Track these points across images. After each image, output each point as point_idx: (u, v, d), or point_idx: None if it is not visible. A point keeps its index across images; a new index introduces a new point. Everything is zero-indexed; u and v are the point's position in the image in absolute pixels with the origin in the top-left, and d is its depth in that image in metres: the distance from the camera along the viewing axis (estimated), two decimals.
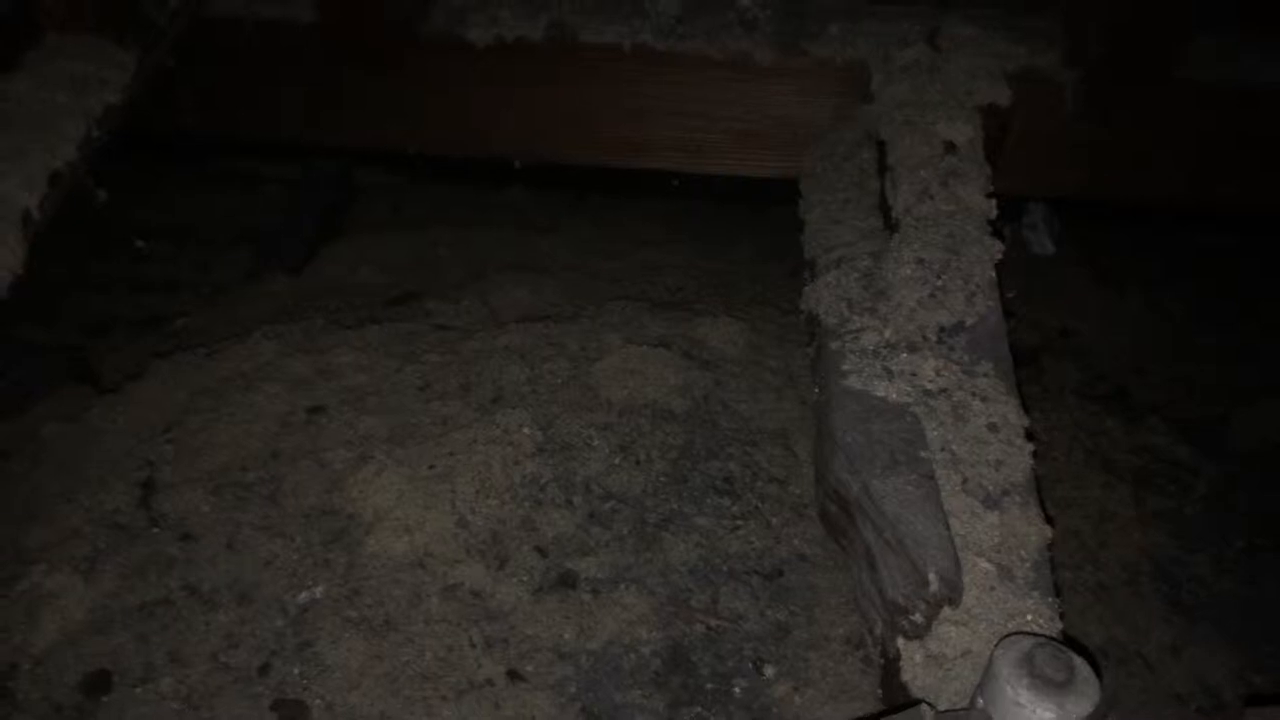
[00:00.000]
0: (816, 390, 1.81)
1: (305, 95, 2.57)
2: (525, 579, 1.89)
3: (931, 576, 1.34)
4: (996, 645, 1.19)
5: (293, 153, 3.27)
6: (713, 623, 1.85)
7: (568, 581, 1.90)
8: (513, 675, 1.75)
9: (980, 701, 1.19)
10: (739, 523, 2.02)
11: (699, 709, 1.73)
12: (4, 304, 1.89)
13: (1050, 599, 1.39)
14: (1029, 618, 1.36)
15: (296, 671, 1.73)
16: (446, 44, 2.38)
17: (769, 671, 1.78)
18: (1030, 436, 1.58)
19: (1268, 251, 2.99)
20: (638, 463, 2.09)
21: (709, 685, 1.76)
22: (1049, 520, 1.49)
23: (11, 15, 2.07)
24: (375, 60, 2.42)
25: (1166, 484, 2.42)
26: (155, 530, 1.96)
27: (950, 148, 1.95)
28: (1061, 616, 1.38)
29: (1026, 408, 1.68)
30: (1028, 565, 1.43)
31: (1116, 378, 2.76)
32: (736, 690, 1.76)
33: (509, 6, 2.37)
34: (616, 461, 2.09)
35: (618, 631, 1.83)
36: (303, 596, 1.84)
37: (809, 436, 2.17)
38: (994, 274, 1.79)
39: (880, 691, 1.61)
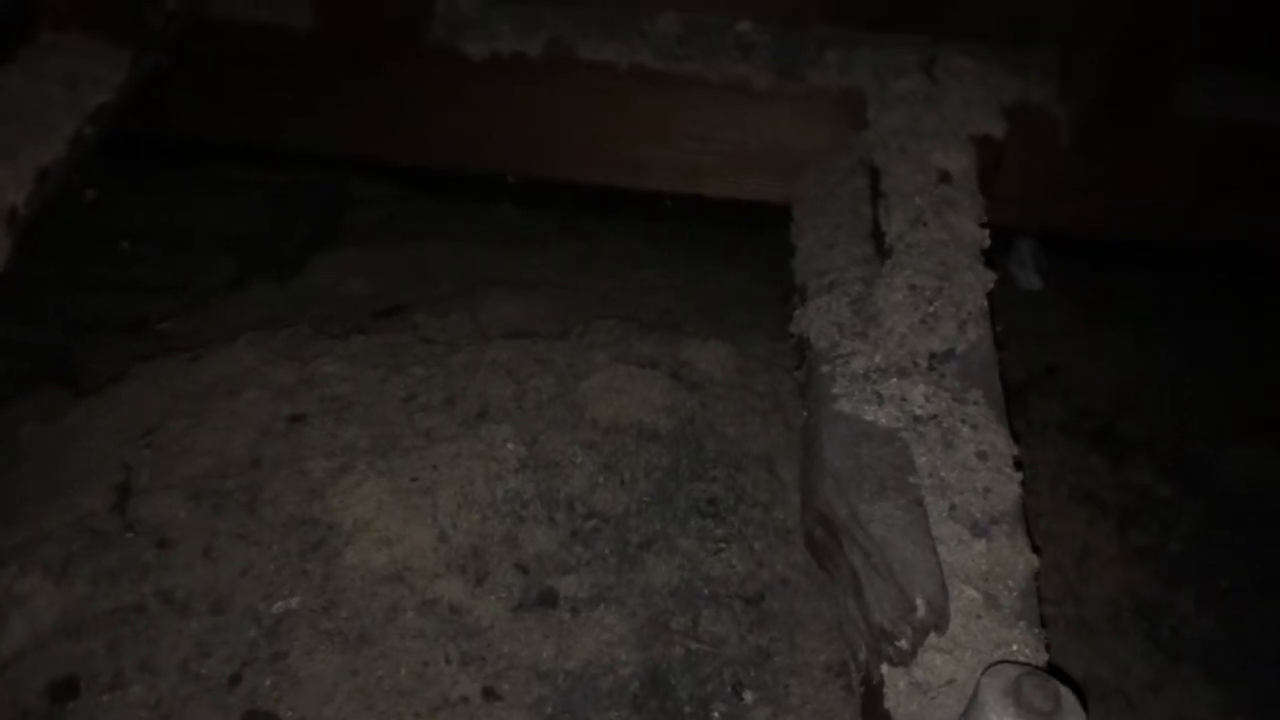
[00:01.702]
0: (805, 413, 1.80)
1: (299, 102, 2.56)
2: (505, 596, 1.87)
3: (919, 602, 1.33)
4: (982, 673, 1.18)
5: (285, 162, 3.25)
6: (693, 646, 1.83)
7: (548, 600, 1.88)
8: (489, 693, 1.72)
9: None
10: (722, 546, 2.00)
11: None
12: None
13: (1036, 629, 1.38)
14: (1015, 647, 1.35)
15: (268, 683, 1.70)
16: (444, 56, 2.38)
17: (748, 697, 1.76)
18: (1019, 465, 1.57)
19: (1258, 290, 3.00)
20: (622, 482, 2.08)
21: (687, 709, 1.74)
22: (1036, 550, 1.48)
23: (7, 12, 2.06)
24: (372, 69, 2.41)
25: (1150, 521, 2.42)
26: (130, 535, 1.93)
27: (945, 177, 1.96)
28: (1048, 647, 1.37)
29: None
30: (1014, 594, 1.42)
31: (1102, 415, 2.76)
32: (715, 715, 1.74)
33: (507, 22, 2.37)
34: (600, 480, 2.07)
35: (596, 652, 1.80)
36: (278, 607, 1.81)
37: (794, 462, 2.16)
38: (986, 303, 1.79)
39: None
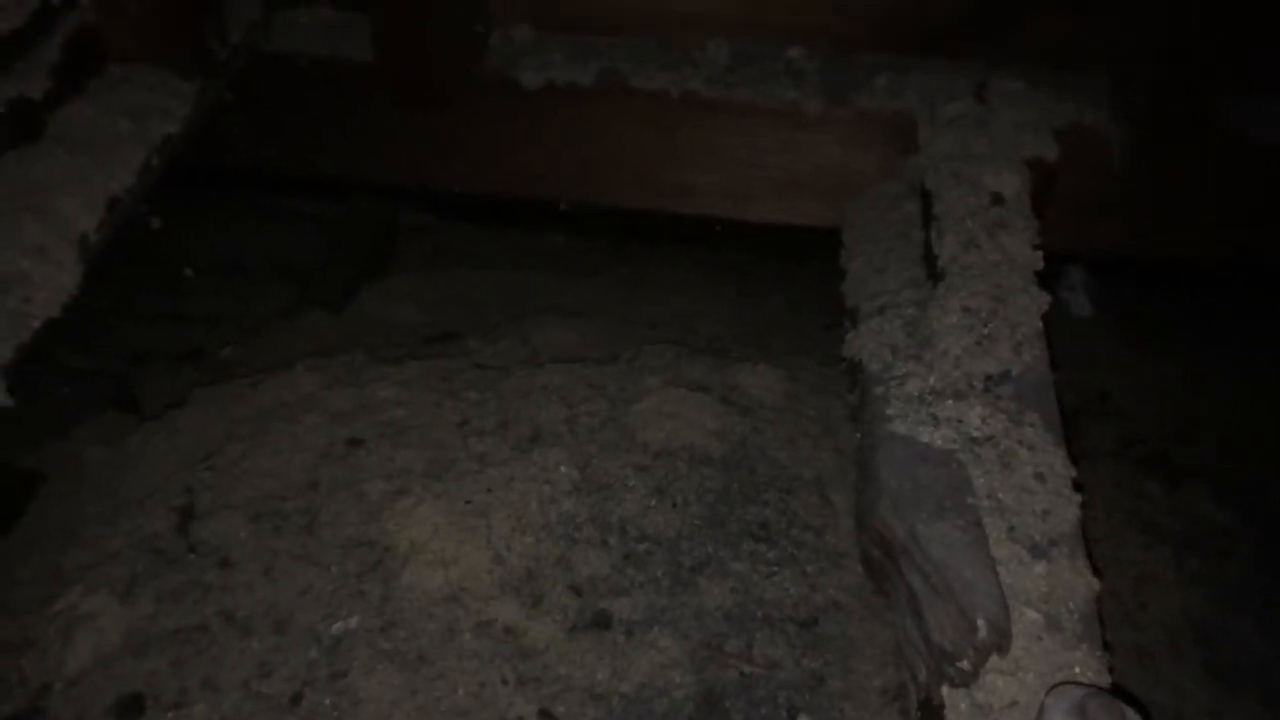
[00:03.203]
0: (859, 435, 1.81)
1: (356, 133, 2.62)
2: (559, 618, 1.88)
3: (980, 623, 1.32)
4: (1047, 694, 1.17)
5: (337, 192, 3.32)
6: (747, 669, 1.82)
7: (602, 622, 1.89)
8: (544, 715, 1.73)
9: None
10: (775, 569, 2.00)
11: None
12: (53, 324, 1.92)
13: (1099, 651, 1.37)
14: (1077, 669, 1.34)
15: (328, 702, 1.72)
16: (499, 86, 2.43)
17: None
18: (1078, 487, 1.57)
19: None
20: (674, 505, 2.08)
21: None
22: (1096, 572, 1.48)
23: (77, 46, 2.12)
24: (428, 101, 2.47)
25: (1207, 547, 2.38)
26: (193, 556, 1.97)
27: (997, 199, 1.96)
28: (1110, 670, 1.36)
29: None
30: (1075, 617, 1.41)
31: (1156, 441, 2.73)
32: None
33: (561, 52, 2.41)
34: (653, 503, 2.08)
35: (651, 674, 1.81)
36: (337, 627, 1.83)
37: (845, 486, 2.16)
38: (1041, 325, 1.78)
39: None
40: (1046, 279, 1.94)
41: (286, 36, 2.48)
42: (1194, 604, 2.26)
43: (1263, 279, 2.90)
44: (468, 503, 2.02)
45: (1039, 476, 1.57)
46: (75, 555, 2.01)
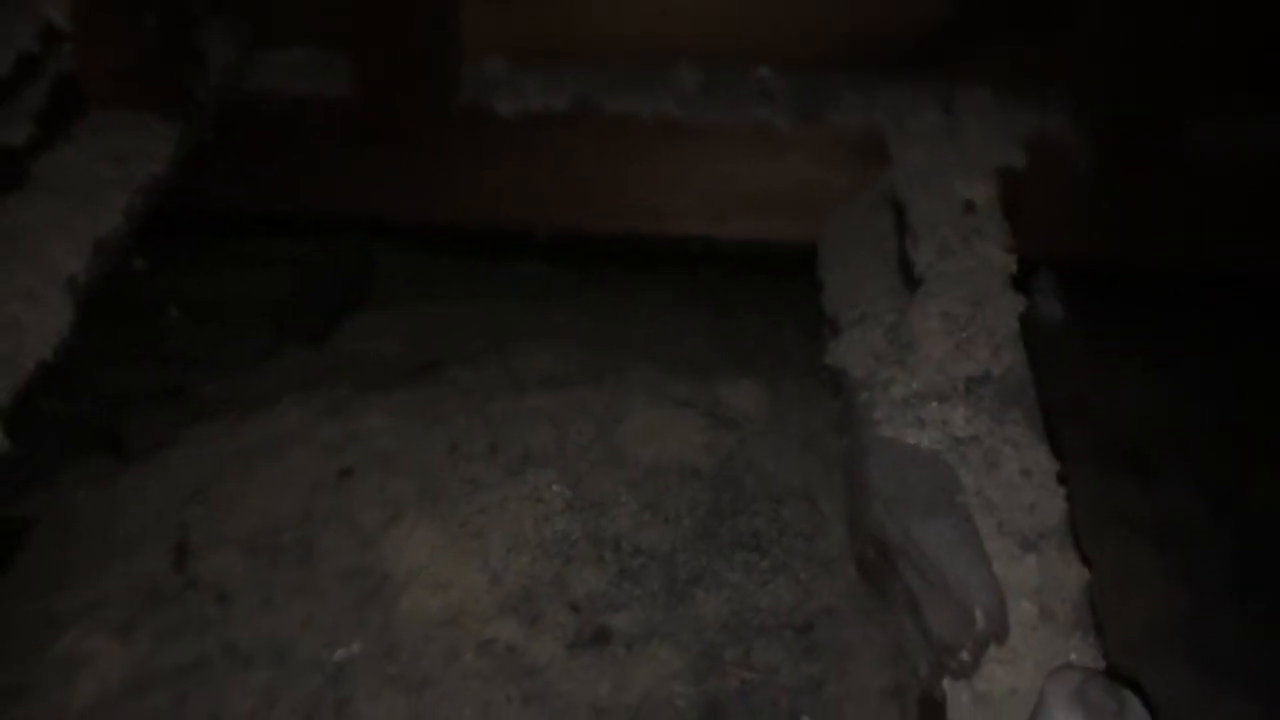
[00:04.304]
0: (846, 441, 1.84)
1: (333, 170, 2.65)
2: (559, 635, 1.90)
3: (978, 614, 1.36)
4: (1046, 679, 1.21)
5: (313, 230, 3.33)
6: (747, 676, 1.85)
7: (601, 637, 1.91)
8: None
9: None
10: (768, 578, 2.03)
11: None
12: (46, 368, 1.92)
13: (1093, 637, 1.41)
14: (1073, 656, 1.38)
15: None
16: (474, 117, 2.47)
17: None
18: (1063, 481, 1.61)
19: (1278, 320, 3.03)
20: (666, 520, 2.11)
21: None
22: (1086, 562, 1.52)
23: (58, 92, 2.14)
24: (405, 134, 2.50)
25: (1187, 542, 2.43)
26: (190, 592, 1.97)
27: (969, 207, 2.02)
28: (1105, 655, 1.40)
29: None
30: (1068, 606, 1.45)
31: (1131, 442, 2.78)
32: None
33: (534, 81, 2.46)
34: (645, 518, 2.11)
35: (653, 686, 1.83)
36: (340, 654, 1.84)
37: (833, 493, 2.20)
38: (1018, 326, 1.84)
39: None
40: (1017, 286, 1.99)
41: (262, 77, 2.51)
42: (1177, 599, 2.30)
43: (1228, 284, 2.97)
44: (462, 526, 2.04)
45: (1025, 472, 1.61)
46: (70, 598, 2.01)
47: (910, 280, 2.03)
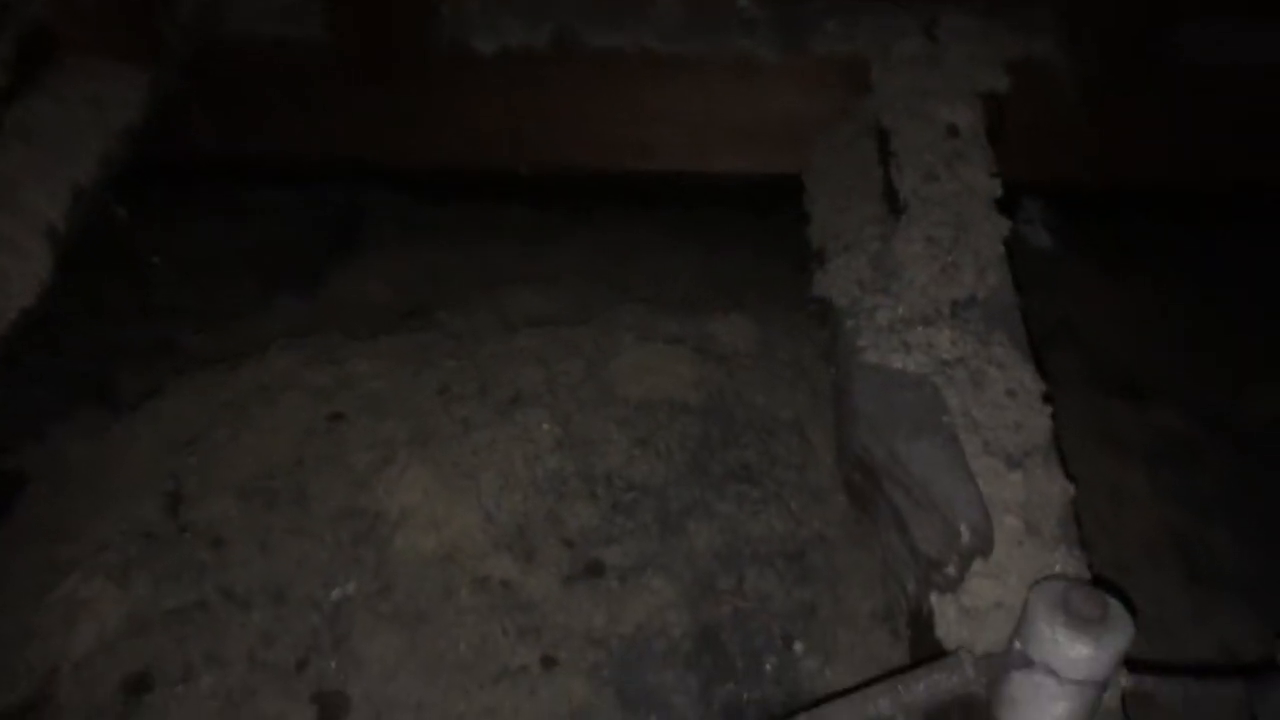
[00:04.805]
0: (834, 370, 1.85)
1: (313, 112, 2.61)
2: (553, 569, 1.92)
3: (963, 528, 1.37)
4: (1031, 588, 1.22)
5: (299, 178, 3.30)
6: (740, 604, 1.87)
7: (595, 570, 1.92)
8: (547, 662, 1.77)
9: (1017, 644, 1.22)
10: (760, 508, 2.04)
11: (732, 686, 1.75)
12: (29, 315, 1.91)
13: (1077, 551, 1.42)
14: (1058, 569, 1.39)
15: (334, 665, 1.75)
16: (454, 56, 2.43)
17: (798, 647, 1.80)
18: (1048, 400, 1.61)
19: (1268, 237, 3.03)
20: (657, 454, 2.12)
21: (740, 663, 1.79)
22: (1071, 479, 1.53)
23: (31, 40, 2.11)
24: (384, 74, 2.47)
25: (1178, 461, 2.45)
26: (186, 537, 1.98)
27: (953, 131, 2.00)
28: (1090, 567, 1.41)
29: None
30: (1053, 521, 1.46)
31: (1122, 366, 2.79)
32: (768, 667, 1.78)
33: (513, 16, 2.42)
34: (636, 454, 2.12)
35: (647, 616, 1.85)
36: (335, 594, 1.86)
37: (823, 424, 2.21)
38: (1003, 249, 1.83)
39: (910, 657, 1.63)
40: (1003, 212, 1.98)
41: (239, 18, 2.47)
42: (1169, 516, 2.32)
43: (1216, 202, 2.96)
44: (454, 466, 2.05)
45: (1010, 393, 1.62)
46: (67, 547, 2.01)
47: (895, 208, 2.02)
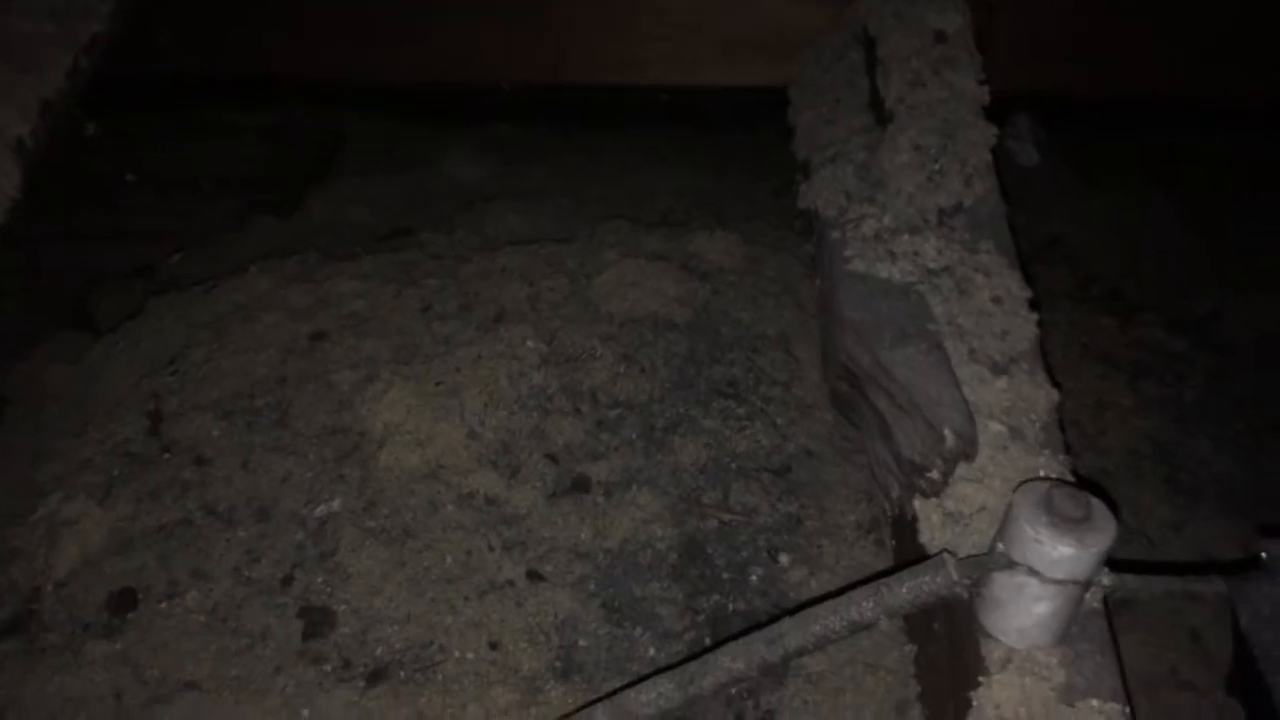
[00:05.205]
0: (820, 280, 1.83)
1: (287, 26, 2.55)
2: (539, 485, 1.91)
3: (947, 432, 1.36)
4: (1015, 490, 1.21)
5: (276, 99, 3.24)
6: (726, 517, 1.87)
7: (581, 485, 1.92)
8: (533, 575, 1.77)
9: (1000, 546, 1.22)
10: (745, 423, 2.04)
11: (717, 597, 1.76)
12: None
13: (1061, 456, 1.42)
14: (1042, 473, 1.39)
15: (320, 580, 1.75)
16: None
17: (784, 559, 1.81)
18: (1034, 307, 1.60)
19: (1253, 149, 3.00)
20: (642, 370, 2.11)
21: (726, 575, 1.79)
22: (1056, 385, 1.52)
23: None
24: None
25: (1163, 373, 2.45)
26: (168, 456, 1.97)
27: (940, 37, 1.96)
28: (1074, 471, 1.41)
29: None
30: (1037, 426, 1.46)
31: (1108, 280, 2.78)
32: (753, 578, 1.79)
33: None
34: (621, 370, 2.11)
35: (633, 530, 1.85)
36: (320, 510, 1.85)
37: (809, 340, 2.20)
38: (990, 157, 1.80)
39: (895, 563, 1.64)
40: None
41: None
42: (1152, 427, 2.32)
43: (1205, 114, 2.93)
44: (438, 383, 2.04)
45: (996, 300, 1.60)
46: (48, 468, 2.01)
47: (882, 117, 1.98)
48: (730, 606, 1.74)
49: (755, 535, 1.85)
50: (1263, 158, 2.95)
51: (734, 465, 1.97)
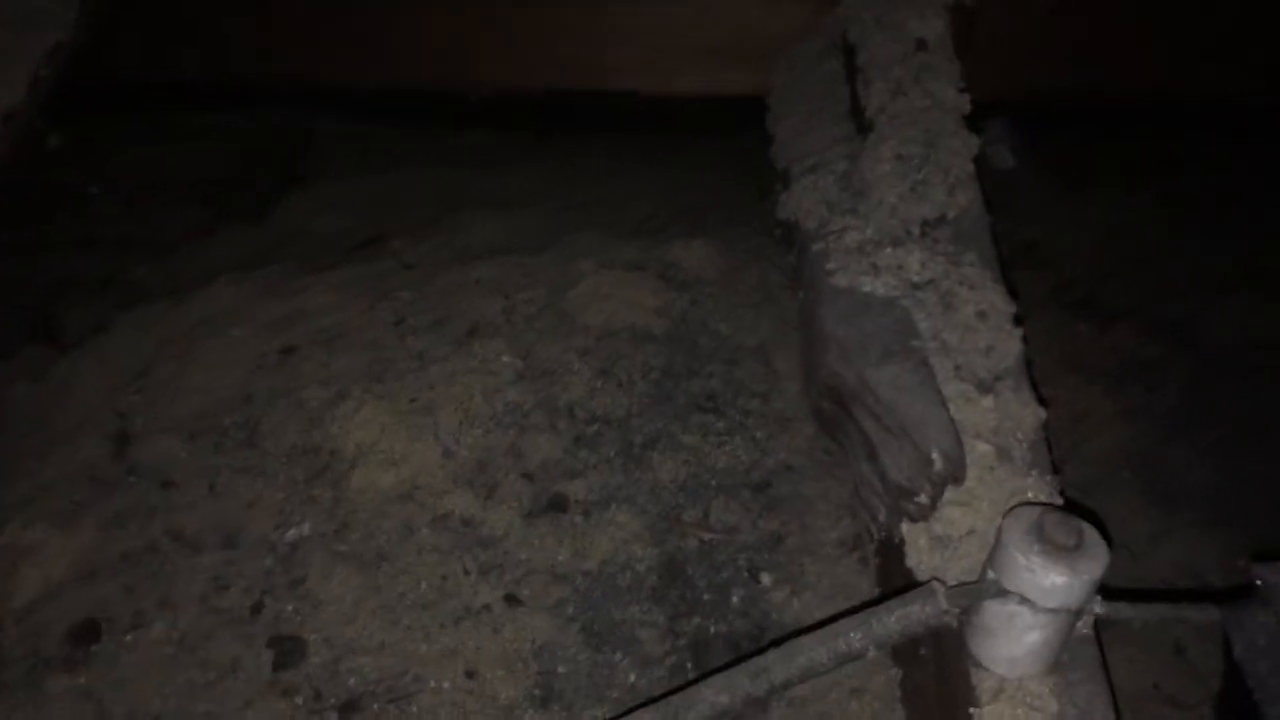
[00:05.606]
0: (801, 294, 1.80)
1: (257, 30, 2.49)
2: (515, 505, 1.87)
3: (935, 455, 1.33)
4: (1004, 516, 1.18)
5: (245, 104, 3.18)
6: (706, 536, 1.84)
7: (558, 505, 1.88)
8: (510, 599, 1.73)
9: (990, 573, 1.19)
10: (725, 438, 2.00)
11: (698, 619, 1.72)
12: None
13: (1049, 476, 1.39)
14: (1030, 495, 1.36)
15: (290, 608, 1.70)
16: None
17: (765, 579, 1.78)
18: (1019, 322, 1.57)
19: (1229, 154, 3.00)
20: (620, 385, 2.07)
21: (707, 596, 1.76)
22: (1043, 403, 1.49)
23: None
24: None
25: (1140, 381, 2.43)
26: (133, 479, 1.92)
27: (921, 45, 1.94)
28: (1062, 492, 1.38)
29: None
30: (1025, 445, 1.43)
31: (1085, 285, 2.77)
32: (734, 599, 1.75)
33: None
34: (599, 385, 2.07)
35: (612, 550, 1.82)
36: (290, 534, 1.81)
37: (789, 352, 2.16)
38: (973, 167, 1.78)
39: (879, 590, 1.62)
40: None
41: None
42: (1130, 436, 2.31)
43: (1182, 118, 2.92)
44: (411, 401, 1.99)
45: (981, 314, 1.58)
46: (9, 491, 1.95)
47: (862, 126, 1.95)
48: (712, 629, 1.71)
49: (736, 554, 1.82)
50: (1238, 161, 2.94)
51: (714, 482, 1.93)
